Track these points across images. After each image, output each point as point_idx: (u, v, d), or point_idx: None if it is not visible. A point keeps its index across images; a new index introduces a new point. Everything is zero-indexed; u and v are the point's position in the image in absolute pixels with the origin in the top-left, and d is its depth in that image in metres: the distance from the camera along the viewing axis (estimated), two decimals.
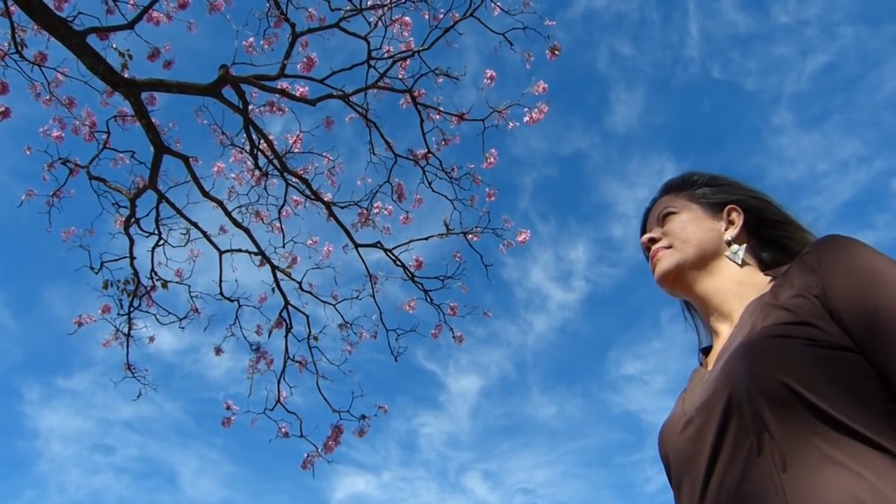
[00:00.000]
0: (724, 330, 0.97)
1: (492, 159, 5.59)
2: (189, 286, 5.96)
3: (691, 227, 1.03)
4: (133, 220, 5.37)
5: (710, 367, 0.94)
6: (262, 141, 5.25)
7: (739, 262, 0.99)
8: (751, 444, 0.75)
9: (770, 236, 1.01)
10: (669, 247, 1.03)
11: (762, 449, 0.74)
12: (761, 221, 1.03)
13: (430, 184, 5.74)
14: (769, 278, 0.95)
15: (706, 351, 1.04)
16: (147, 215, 5.46)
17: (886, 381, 0.73)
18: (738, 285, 0.97)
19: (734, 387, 0.78)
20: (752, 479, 0.74)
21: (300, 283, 5.89)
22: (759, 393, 0.75)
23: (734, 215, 1.03)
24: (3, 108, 4.72)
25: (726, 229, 1.02)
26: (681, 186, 1.11)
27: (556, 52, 4.90)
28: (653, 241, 1.07)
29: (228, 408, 5.82)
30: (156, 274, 5.72)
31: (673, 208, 1.07)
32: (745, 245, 1.01)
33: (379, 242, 5.79)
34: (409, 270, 5.87)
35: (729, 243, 1.01)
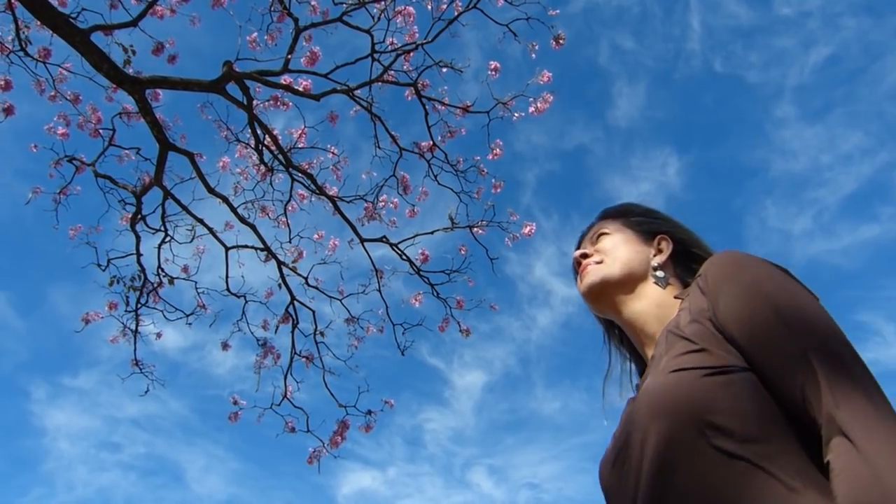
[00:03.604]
0: (651, 354, 1.00)
1: (497, 150, 5.57)
2: (195, 282, 5.98)
3: (622, 247, 1.08)
4: (139, 216, 5.38)
5: None
6: (266, 136, 5.25)
7: (663, 285, 1.02)
8: (661, 486, 0.76)
9: (694, 269, 1.04)
10: (600, 262, 1.08)
11: (670, 489, 0.75)
12: (687, 254, 1.07)
13: (435, 177, 5.73)
14: (679, 301, 0.98)
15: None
16: (153, 212, 5.48)
17: (777, 396, 0.74)
18: (658, 308, 1.00)
19: (641, 429, 0.80)
20: None
21: (306, 279, 5.90)
22: (660, 435, 0.76)
23: (663, 244, 1.08)
24: (7, 105, 4.72)
25: (655, 255, 1.06)
26: (617, 214, 1.16)
27: (561, 42, 4.88)
28: (584, 256, 1.11)
29: (235, 402, 5.83)
30: (162, 270, 5.73)
31: (607, 230, 1.12)
32: (668, 273, 1.05)
33: (385, 237, 5.79)
34: (414, 265, 5.87)
35: (655, 269, 1.05)
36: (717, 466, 0.72)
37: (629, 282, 1.04)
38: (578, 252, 1.12)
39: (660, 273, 1.04)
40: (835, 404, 0.69)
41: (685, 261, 1.06)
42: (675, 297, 0.99)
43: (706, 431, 0.73)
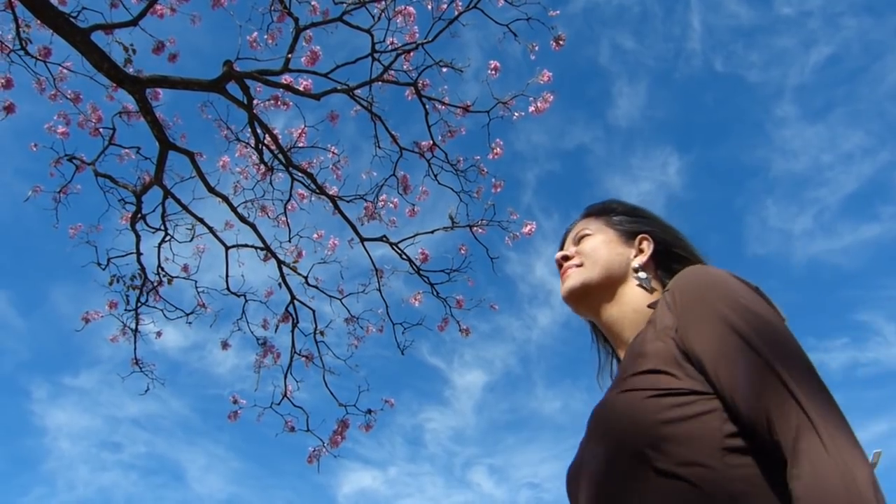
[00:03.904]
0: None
1: (498, 150, 5.57)
2: (195, 281, 5.98)
3: (603, 248, 1.07)
4: (139, 216, 5.38)
5: None
6: (266, 136, 5.25)
7: (648, 287, 1.02)
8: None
9: (675, 270, 1.02)
10: (580, 265, 1.07)
11: None
12: (668, 254, 1.06)
13: (435, 176, 5.73)
14: (651, 310, 0.98)
15: None
16: (153, 211, 5.48)
17: (741, 423, 0.73)
18: (634, 313, 1.00)
19: (591, 447, 0.82)
20: None
21: (306, 278, 5.90)
22: (604, 456, 0.78)
23: (644, 244, 1.07)
24: (7, 103, 4.73)
25: (635, 256, 1.06)
26: (600, 212, 1.15)
27: (561, 43, 4.88)
28: (566, 258, 1.11)
29: (235, 401, 5.83)
30: (162, 269, 5.73)
31: (589, 231, 1.12)
32: (649, 274, 1.05)
33: (385, 236, 5.79)
34: (414, 264, 5.87)
35: (636, 270, 1.05)
36: (658, 487, 0.73)
37: (609, 285, 1.04)
38: (560, 254, 1.13)
39: (642, 274, 1.03)
40: (800, 424, 0.69)
41: (667, 261, 1.06)
42: (648, 307, 0.99)
43: (649, 453, 0.74)
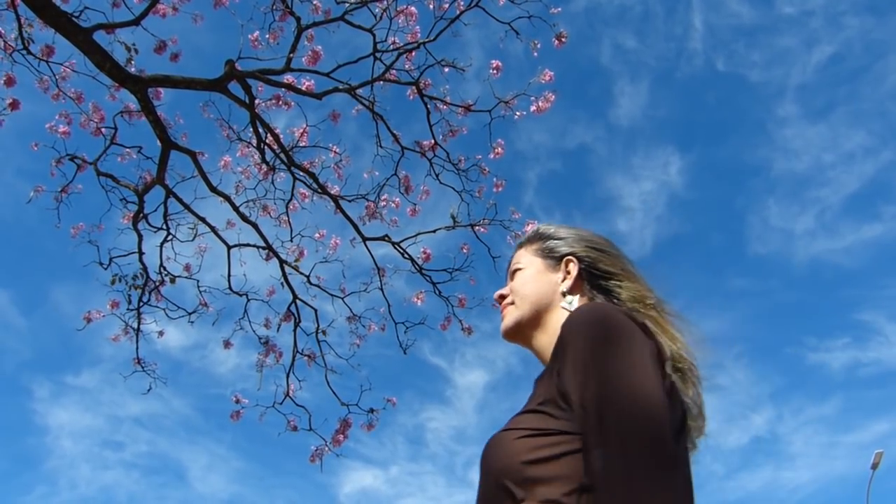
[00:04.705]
0: None
1: (499, 149, 5.57)
2: (197, 281, 5.98)
3: (531, 283, 1.10)
4: (141, 215, 5.39)
5: None
6: (268, 135, 5.25)
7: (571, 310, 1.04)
8: None
9: (603, 286, 1.06)
10: (512, 303, 1.12)
11: None
12: (596, 272, 1.08)
13: (437, 175, 5.73)
14: None
15: None
16: (155, 210, 5.48)
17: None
18: None
19: (480, 479, 0.87)
20: None
21: (308, 277, 5.90)
22: (484, 489, 0.84)
23: (570, 266, 1.09)
24: (11, 101, 4.73)
25: (563, 280, 1.08)
26: (530, 241, 1.18)
27: (563, 40, 4.88)
28: (502, 297, 1.15)
29: (237, 401, 5.83)
30: (164, 269, 5.74)
31: (520, 264, 1.15)
32: (578, 295, 1.07)
33: (387, 235, 5.79)
34: (416, 263, 5.87)
35: (564, 294, 1.07)
36: None
37: (538, 317, 1.07)
38: (497, 294, 1.17)
39: (568, 298, 1.06)
40: (594, 472, 0.73)
41: (594, 279, 1.08)
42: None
43: (515, 491, 0.79)
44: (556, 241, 1.13)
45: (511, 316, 1.10)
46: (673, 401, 0.84)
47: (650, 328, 0.91)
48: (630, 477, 0.70)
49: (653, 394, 0.77)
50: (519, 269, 1.14)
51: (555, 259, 1.11)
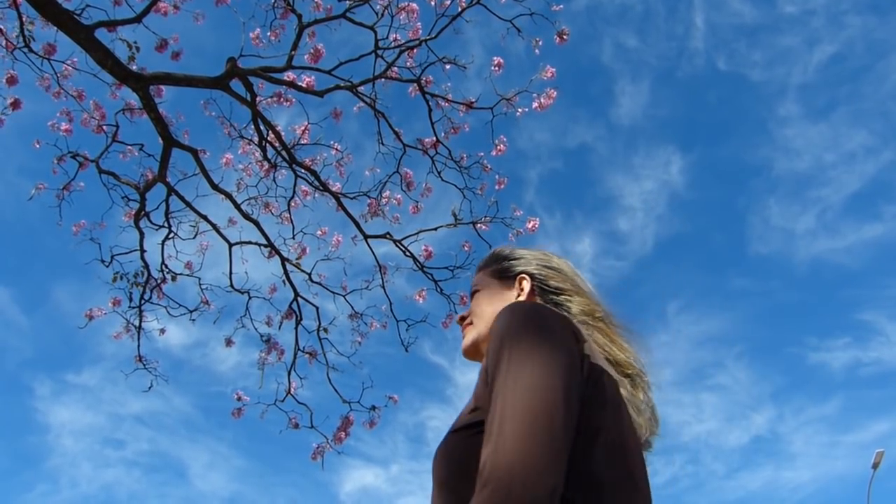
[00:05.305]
0: None
1: (501, 146, 5.57)
2: (199, 278, 5.98)
3: (486, 304, 1.16)
4: (143, 213, 5.39)
5: None
6: (270, 133, 5.25)
7: None
8: None
9: (555, 301, 1.12)
10: (471, 324, 1.17)
11: None
12: (547, 288, 1.14)
13: (439, 173, 5.73)
14: None
15: None
16: (157, 208, 5.48)
17: None
18: None
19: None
20: None
21: (310, 275, 5.89)
22: (434, 486, 0.88)
23: (524, 283, 1.15)
24: (13, 100, 4.73)
25: (518, 297, 1.14)
26: (487, 264, 1.25)
27: (564, 37, 4.87)
28: (462, 319, 1.21)
29: (239, 398, 5.84)
30: (166, 267, 5.74)
31: (477, 287, 1.22)
32: None
33: (388, 233, 5.78)
34: (418, 261, 5.87)
35: None
36: None
37: None
38: (458, 315, 1.23)
39: None
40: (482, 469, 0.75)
41: (546, 295, 1.13)
42: None
43: (456, 486, 0.82)
44: (511, 262, 1.20)
45: (470, 336, 1.16)
46: (596, 395, 0.86)
47: (582, 331, 0.94)
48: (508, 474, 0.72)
49: (549, 396, 0.78)
50: (477, 291, 1.20)
51: (510, 278, 1.17)
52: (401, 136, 5.58)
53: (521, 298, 1.12)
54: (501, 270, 1.19)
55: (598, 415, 0.84)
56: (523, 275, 1.15)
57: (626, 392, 0.98)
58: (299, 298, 5.89)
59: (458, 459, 0.84)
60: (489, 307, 1.15)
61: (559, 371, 0.80)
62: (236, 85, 4.65)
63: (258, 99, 4.96)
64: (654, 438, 1.03)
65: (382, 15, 4.98)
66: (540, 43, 5.07)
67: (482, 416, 0.83)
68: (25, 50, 4.49)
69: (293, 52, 4.75)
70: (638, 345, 1.09)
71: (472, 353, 1.16)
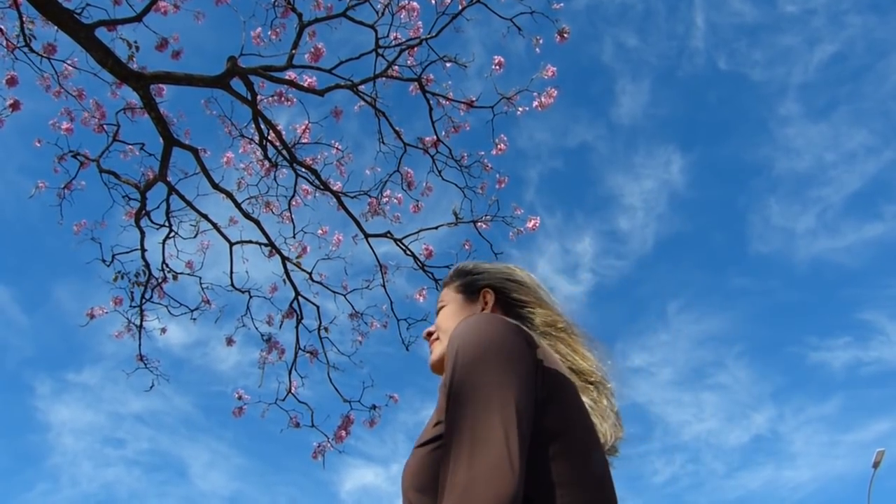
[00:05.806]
0: None
1: (502, 145, 5.57)
2: (200, 278, 5.98)
3: (450, 318, 1.18)
4: (143, 212, 5.39)
5: None
6: (270, 132, 5.25)
7: None
8: None
9: (518, 313, 1.14)
10: (437, 339, 1.20)
11: None
12: (510, 300, 1.17)
13: (439, 172, 5.73)
14: None
15: None
16: (157, 207, 5.48)
17: None
18: None
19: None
20: None
21: (310, 274, 5.90)
22: (403, 501, 0.89)
23: (488, 297, 1.18)
24: (12, 101, 4.73)
25: (482, 310, 1.16)
26: (451, 279, 1.27)
27: (565, 36, 4.87)
28: (430, 334, 1.23)
29: (240, 397, 5.84)
30: (167, 266, 5.74)
31: (443, 302, 1.23)
32: None
33: (389, 232, 5.78)
34: (419, 260, 5.86)
35: None
36: None
37: None
38: (425, 332, 1.25)
39: None
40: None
41: (509, 307, 1.15)
42: None
43: (418, 498, 0.84)
44: (474, 277, 1.22)
45: (437, 351, 1.18)
46: (553, 397, 0.87)
47: (534, 337, 0.95)
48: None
49: (505, 406, 0.78)
50: (443, 307, 1.22)
51: (474, 293, 1.19)
52: (401, 135, 5.58)
53: (486, 311, 1.14)
54: (465, 285, 1.21)
55: (555, 417, 0.85)
56: (487, 289, 1.18)
57: (588, 399, 1.01)
58: (300, 298, 5.89)
59: (423, 473, 0.86)
60: (454, 322, 1.16)
61: (513, 380, 0.81)
62: (237, 84, 4.65)
63: (259, 98, 4.96)
64: (620, 443, 1.05)
65: (383, 13, 4.98)
66: (540, 42, 5.08)
67: (439, 431, 0.85)
68: (26, 49, 4.49)
69: (294, 51, 4.75)
70: (600, 353, 1.12)
71: (440, 367, 1.17)
